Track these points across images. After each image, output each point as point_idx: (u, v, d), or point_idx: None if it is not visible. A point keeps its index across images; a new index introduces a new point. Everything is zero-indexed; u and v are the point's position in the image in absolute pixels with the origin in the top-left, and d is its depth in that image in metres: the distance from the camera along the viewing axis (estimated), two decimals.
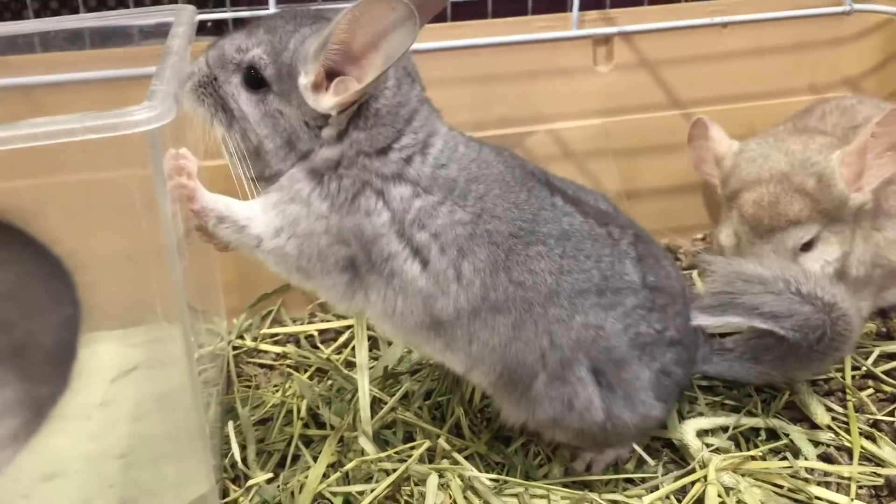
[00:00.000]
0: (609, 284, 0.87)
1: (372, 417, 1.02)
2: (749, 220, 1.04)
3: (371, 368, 1.11)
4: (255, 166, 0.83)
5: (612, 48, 1.32)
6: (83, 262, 1.07)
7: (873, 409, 1.06)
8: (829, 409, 1.06)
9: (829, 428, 1.03)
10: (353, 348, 1.16)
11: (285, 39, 0.80)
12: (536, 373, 0.87)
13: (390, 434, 1.02)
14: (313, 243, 0.83)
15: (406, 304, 0.85)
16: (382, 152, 0.82)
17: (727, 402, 1.07)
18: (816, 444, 1.01)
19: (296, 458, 1.00)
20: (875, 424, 1.04)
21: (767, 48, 1.38)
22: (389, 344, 1.18)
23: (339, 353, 1.19)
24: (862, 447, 1.00)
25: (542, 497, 0.91)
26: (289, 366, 1.17)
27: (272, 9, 1.20)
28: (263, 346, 1.21)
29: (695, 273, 1.28)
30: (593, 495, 0.91)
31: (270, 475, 0.97)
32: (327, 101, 0.79)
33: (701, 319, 0.96)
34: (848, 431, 1.02)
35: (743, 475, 0.93)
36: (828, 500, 0.93)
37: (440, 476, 0.93)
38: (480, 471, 0.95)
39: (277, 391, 1.10)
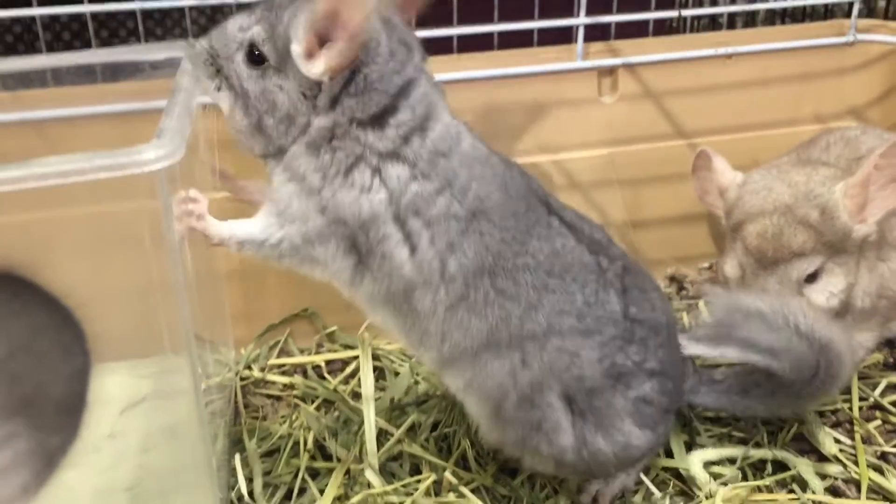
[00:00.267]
0: (590, 311, 0.88)
1: (378, 449, 1.03)
2: (753, 252, 1.04)
3: (378, 399, 1.12)
4: (259, 143, 0.85)
5: (616, 79, 1.33)
6: (92, 294, 1.09)
7: (881, 440, 1.06)
8: (837, 441, 1.06)
9: (837, 460, 1.03)
10: (360, 379, 1.17)
11: (280, 13, 0.82)
12: (507, 391, 0.88)
13: (397, 466, 1.03)
14: (312, 225, 0.83)
15: (389, 290, 0.85)
16: (378, 125, 0.82)
17: (734, 433, 1.07)
18: (824, 476, 1.01)
19: (302, 490, 1.00)
20: (883, 456, 1.04)
21: (772, 78, 1.38)
22: (396, 374, 1.19)
23: (346, 383, 1.20)
24: (870, 479, 0.99)
25: None
26: (296, 396, 1.17)
27: None
28: (271, 377, 1.21)
29: (701, 302, 1.29)
30: None
31: None
32: (318, 67, 0.80)
33: (695, 349, 0.96)
34: (856, 463, 1.02)
35: None
36: None
37: None
38: None
39: (284, 423, 1.10)
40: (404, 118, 0.82)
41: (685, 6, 1.96)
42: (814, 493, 0.98)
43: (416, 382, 1.16)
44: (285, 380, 1.21)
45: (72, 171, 0.67)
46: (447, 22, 1.38)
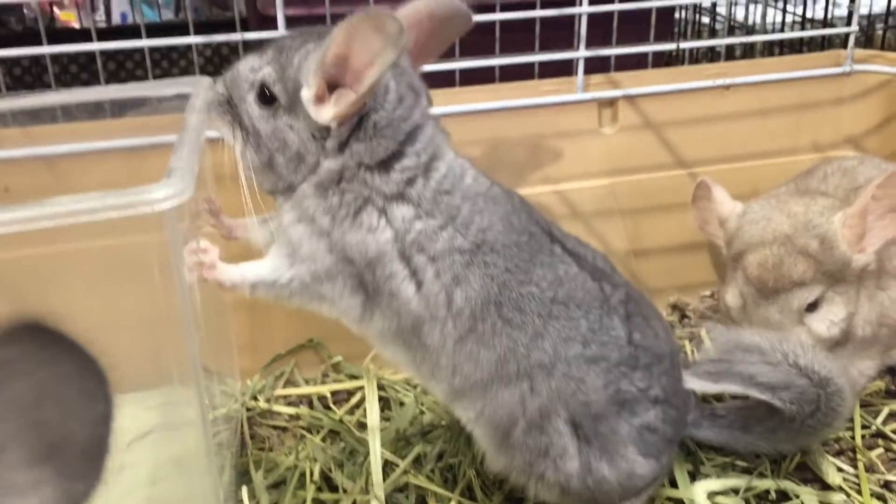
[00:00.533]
0: (595, 337, 0.89)
1: (384, 480, 1.03)
2: (754, 282, 1.05)
3: (383, 430, 1.12)
4: (269, 180, 0.86)
5: (616, 110, 1.35)
6: (101, 326, 1.10)
7: (883, 469, 1.06)
8: (840, 470, 1.06)
9: (840, 489, 1.03)
10: (366, 409, 1.18)
11: (291, 56, 0.84)
12: (516, 419, 0.89)
13: (403, 497, 1.03)
14: (321, 264, 0.85)
15: (399, 326, 0.87)
16: (384, 169, 0.84)
17: (738, 462, 1.07)
18: None
19: None
20: (886, 485, 1.04)
21: (770, 108, 1.40)
22: (401, 404, 1.20)
23: (352, 413, 1.20)
24: None
25: None
26: (302, 427, 1.18)
27: None
28: (277, 408, 1.22)
29: (703, 330, 1.29)
30: None
31: None
32: (327, 113, 0.81)
33: (695, 384, 0.97)
34: (859, 492, 1.02)
35: None
36: None
37: None
38: None
39: (291, 454, 1.11)
40: (409, 164, 0.84)
41: (683, 38, 1.99)
42: None
43: (422, 412, 1.17)
44: (291, 410, 1.21)
45: (84, 210, 0.69)
46: (449, 55, 1.41)
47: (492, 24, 1.40)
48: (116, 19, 2.50)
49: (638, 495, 0.96)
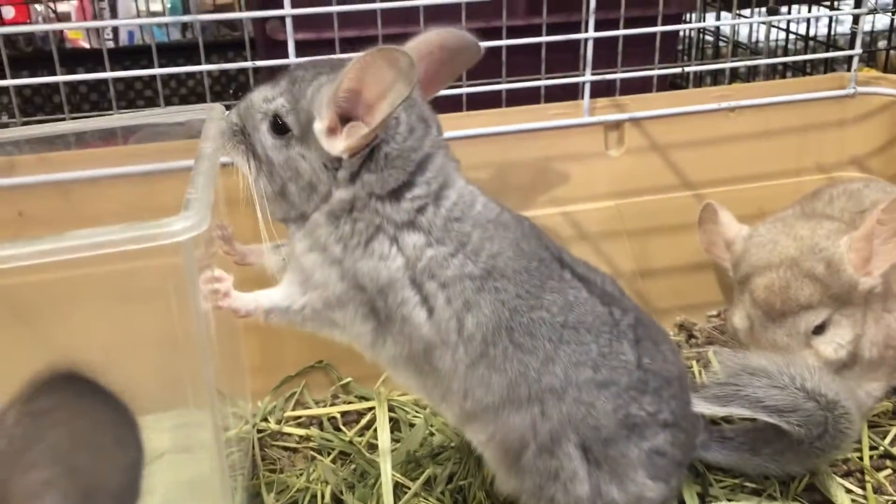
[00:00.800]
0: (605, 362, 0.90)
1: (395, 503, 1.04)
2: (761, 305, 1.06)
3: (394, 451, 1.13)
4: (281, 208, 0.88)
5: (622, 133, 1.37)
6: (116, 348, 1.11)
7: (891, 490, 1.07)
8: (849, 491, 1.07)
9: None
10: (376, 430, 1.19)
11: (304, 87, 0.85)
12: (527, 442, 0.89)
13: None
14: (332, 292, 0.87)
15: (411, 351, 0.88)
16: (395, 199, 0.85)
17: (746, 483, 1.08)
18: None
19: None
20: None
21: (775, 130, 1.41)
22: (411, 426, 1.20)
23: (362, 434, 1.21)
24: None
25: None
26: (312, 448, 1.19)
27: None
28: (287, 429, 1.23)
29: (710, 352, 1.30)
30: None
31: None
32: (339, 145, 0.83)
33: (703, 408, 0.98)
34: None
35: None
36: None
37: None
38: None
39: (302, 475, 1.12)
40: (420, 192, 0.86)
41: (688, 58, 2.00)
42: None
43: (432, 434, 1.17)
44: (301, 431, 1.22)
45: (104, 243, 0.70)
46: (457, 80, 1.42)
47: (498, 48, 1.41)
48: (124, 38, 2.53)
49: None
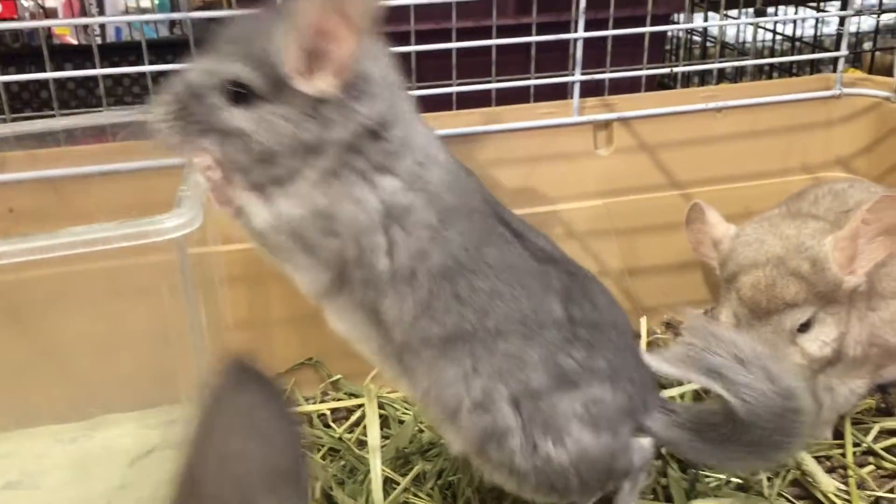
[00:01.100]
0: (535, 317, 0.89)
1: (385, 499, 1.05)
2: (747, 303, 1.07)
3: (383, 448, 1.14)
4: (265, 170, 0.82)
5: (611, 133, 1.38)
6: (107, 344, 1.12)
7: (874, 486, 1.09)
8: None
9: None
10: (365, 427, 1.19)
11: (252, 42, 0.80)
12: (461, 398, 0.89)
13: None
14: (305, 236, 0.84)
15: (362, 301, 0.87)
16: (380, 136, 0.83)
17: (732, 479, 1.09)
18: None
19: None
20: (877, 502, 1.07)
21: (761, 131, 1.43)
22: (400, 423, 1.21)
23: (351, 431, 1.22)
24: None
25: None
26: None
27: None
28: None
29: (685, 312, 1.31)
30: None
31: None
32: (322, 83, 0.79)
33: (660, 366, 0.94)
34: None
35: None
36: None
37: None
38: None
39: None
40: (398, 132, 0.84)
41: (676, 58, 2.02)
42: None
43: (421, 431, 1.18)
44: None
45: (98, 239, 0.71)
46: (447, 78, 1.43)
47: (488, 47, 1.42)
48: (111, 34, 2.52)
49: (616, 479, 0.95)
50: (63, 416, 1.15)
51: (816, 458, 1.13)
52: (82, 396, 1.14)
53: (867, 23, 2.23)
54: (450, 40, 1.38)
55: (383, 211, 0.84)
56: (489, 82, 1.41)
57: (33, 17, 2.51)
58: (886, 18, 2.30)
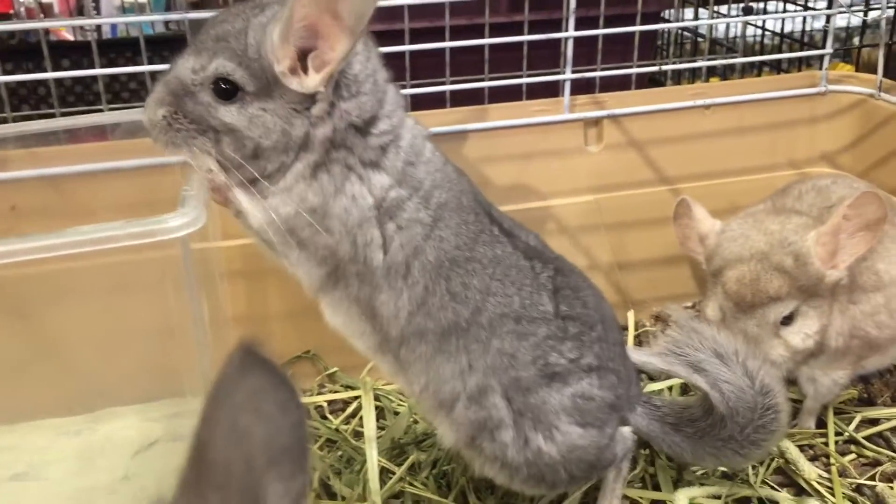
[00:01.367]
0: (526, 313, 0.92)
1: (381, 488, 1.08)
2: (732, 297, 1.10)
3: (379, 439, 1.17)
4: (257, 166, 0.83)
5: (601, 129, 1.41)
6: (111, 338, 1.14)
7: (855, 474, 1.12)
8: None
9: (817, 493, 1.09)
10: (361, 418, 1.22)
11: (241, 38, 0.81)
12: (458, 394, 0.92)
13: None
14: (298, 235, 0.85)
15: (357, 295, 0.89)
16: (365, 133, 0.85)
17: (719, 468, 1.12)
18: None
19: None
20: (858, 489, 1.10)
21: (748, 127, 1.46)
22: (395, 414, 1.24)
23: (348, 422, 1.25)
24: None
25: None
26: None
27: None
28: None
29: (671, 309, 1.34)
30: None
31: None
32: (312, 81, 0.80)
33: (643, 359, 0.99)
34: (834, 495, 1.08)
35: None
36: None
37: None
38: None
39: None
40: (384, 128, 0.86)
41: (666, 53, 2.04)
42: None
43: (416, 422, 1.21)
44: None
45: (104, 238, 0.73)
46: (440, 75, 1.46)
47: (481, 46, 1.45)
48: (107, 30, 2.53)
49: (593, 469, 0.97)
50: (67, 409, 1.17)
51: (800, 446, 1.16)
52: (86, 390, 1.16)
53: (858, 16, 2.25)
54: (443, 38, 1.40)
55: (375, 205, 0.86)
56: (482, 80, 1.43)
57: (29, 12, 2.53)
58: (875, 14, 2.33)
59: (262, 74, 0.81)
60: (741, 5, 2.17)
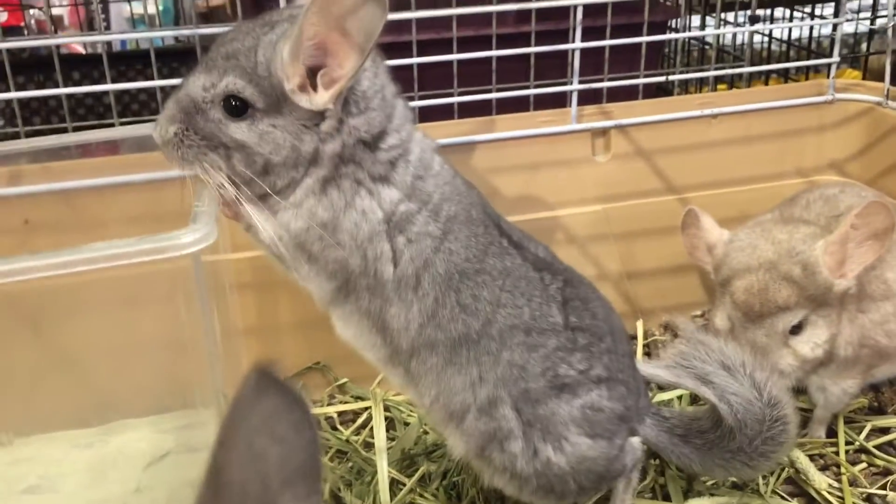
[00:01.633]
0: (536, 325, 0.92)
1: (391, 499, 1.08)
2: (741, 307, 1.10)
3: (389, 450, 1.17)
4: (267, 181, 0.84)
5: (609, 140, 1.41)
6: (122, 350, 1.15)
7: (866, 483, 1.12)
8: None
9: (827, 502, 1.09)
10: (371, 429, 1.23)
11: (251, 56, 0.82)
12: (468, 406, 0.92)
13: None
14: (308, 249, 0.86)
15: (368, 308, 0.90)
16: (375, 147, 0.86)
17: (729, 478, 1.12)
18: None
19: None
20: (869, 498, 1.10)
21: (755, 136, 1.46)
22: (405, 425, 1.25)
23: (358, 433, 1.25)
24: None
25: None
26: None
27: None
28: None
29: (678, 321, 1.34)
30: None
31: None
32: (321, 98, 0.81)
33: (653, 372, 0.99)
34: None
35: None
36: None
37: None
38: None
39: None
40: (394, 142, 0.87)
41: (673, 61, 2.05)
42: None
43: (426, 433, 1.22)
44: None
45: (118, 255, 0.74)
46: (448, 86, 1.47)
47: (489, 57, 1.45)
48: (117, 43, 2.55)
49: (602, 480, 0.97)
50: (80, 422, 1.18)
51: (810, 456, 1.16)
52: (99, 402, 1.17)
53: (866, 23, 2.25)
54: (451, 49, 1.41)
55: (385, 219, 0.87)
56: (490, 91, 1.44)
57: (39, 24, 2.55)
58: (883, 20, 2.33)
59: (271, 91, 0.82)
60: (748, 12, 2.17)
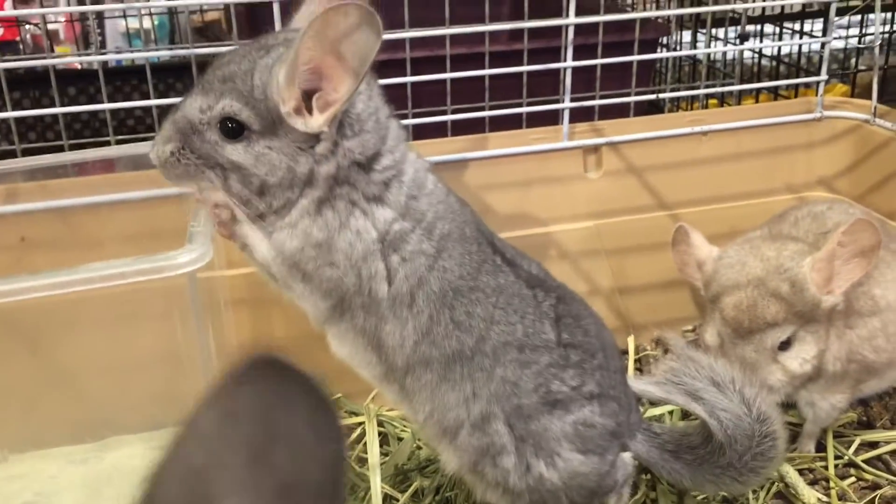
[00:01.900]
0: (529, 342, 0.93)
1: None
2: (730, 323, 1.12)
3: (382, 465, 1.18)
4: (263, 202, 0.85)
5: (601, 156, 1.43)
6: (118, 366, 1.16)
7: (854, 497, 1.13)
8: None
9: None
10: (365, 444, 1.24)
11: (248, 79, 0.83)
12: (462, 422, 0.93)
13: None
14: (303, 268, 0.87)
15: (363, 326, 0.91)
16: (370, 168, 0.87)
17: (720, 493, 1.13)
18: None
19: None
20: None
21: (745, 153, 1.48)
22: (399, 440, 1.25)
23: (352, 449, 1.26)
24: None
25: None
26: None
27: None
28: None
29: (669, 337, 1.35)
30: None
31: None
32: (316, 122, 0.82)
33: (643, 388, 1.00)
34: None
35: None
36: None
37: None
38: None
39: None
40: (388, 163, 0.88)
41: (664, 78, 2.07)
42: None
43: (419, 448, 1.22)
44: None
45: (115, 275, 0.75)
46: (441, 103, 1.48)
47: (482, 76, 1.47)
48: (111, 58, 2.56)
49: (594, 496, 0.98)
50: (75, 438, 1.18)
51: (799, 470, 1.17)
52: (94, 418, 1.18)
53: (855, 39, 2.28)
54: (444, 67, 1.42)
55: (379, 239, 0.88)
56: (482, 108, 1.46)
57: (35, 39, 2.56)
58: (872, 37, 2.35)
59: (267, 114, 0.83)
60: (738, 28, 2.20)
